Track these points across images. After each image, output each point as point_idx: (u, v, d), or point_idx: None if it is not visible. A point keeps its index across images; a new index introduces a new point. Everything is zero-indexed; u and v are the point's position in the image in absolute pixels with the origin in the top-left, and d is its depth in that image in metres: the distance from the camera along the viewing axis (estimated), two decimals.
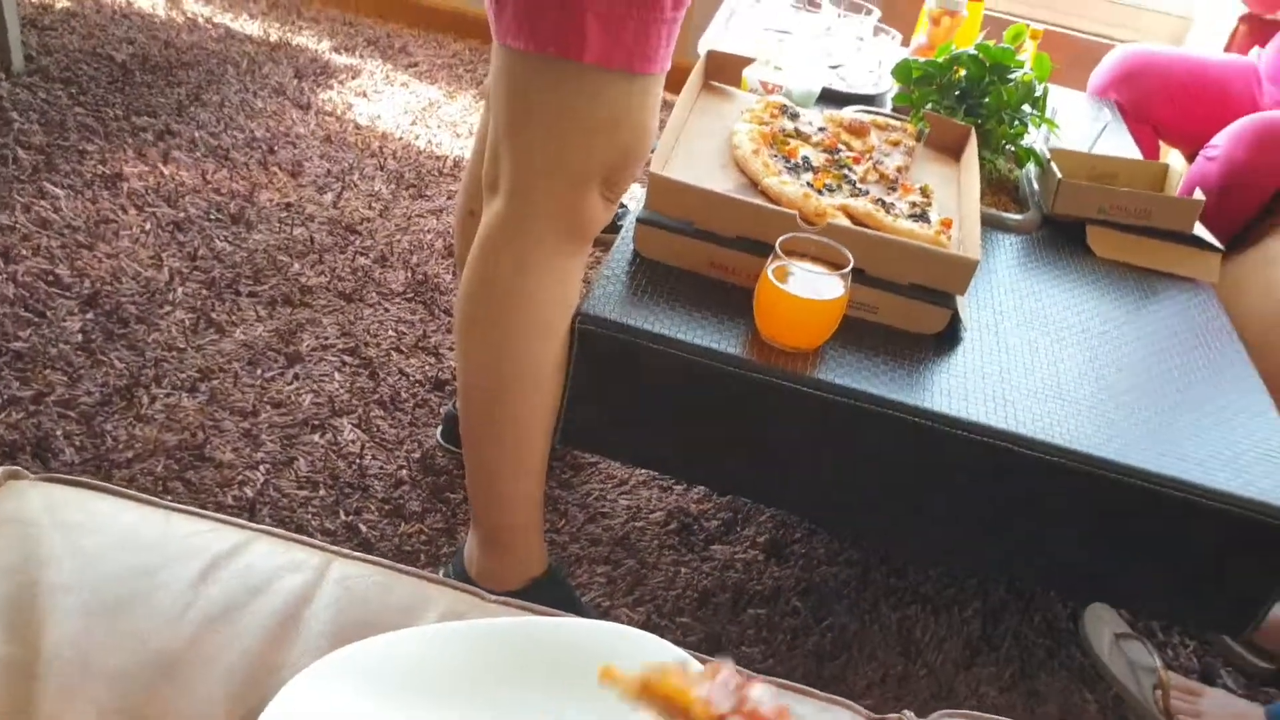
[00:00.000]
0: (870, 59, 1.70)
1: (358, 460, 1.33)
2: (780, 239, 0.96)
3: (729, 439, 1.05)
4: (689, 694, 0.37)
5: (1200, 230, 1.36)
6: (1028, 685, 1.22)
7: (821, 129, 1.28)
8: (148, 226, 1.68)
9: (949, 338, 1.07)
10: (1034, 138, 1.49)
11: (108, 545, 0.66)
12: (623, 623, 1.17)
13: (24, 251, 1.56)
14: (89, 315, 1.47)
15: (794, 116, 1.29)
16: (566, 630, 0.64)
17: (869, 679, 1.18)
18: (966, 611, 1.29)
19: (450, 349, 1.56)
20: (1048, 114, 1.44)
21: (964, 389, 1.00)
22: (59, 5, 2.35)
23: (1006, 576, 1.33)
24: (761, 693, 0.38)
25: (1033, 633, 1.29)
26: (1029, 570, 1.09)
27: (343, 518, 1.24)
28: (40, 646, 0.58)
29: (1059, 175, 1.34)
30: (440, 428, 1.39)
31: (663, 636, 0.63)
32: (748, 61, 1.40)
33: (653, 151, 1.23)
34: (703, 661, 0.44)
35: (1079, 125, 1.65)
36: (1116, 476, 0.95)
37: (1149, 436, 0.99)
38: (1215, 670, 1.29)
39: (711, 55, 1.38)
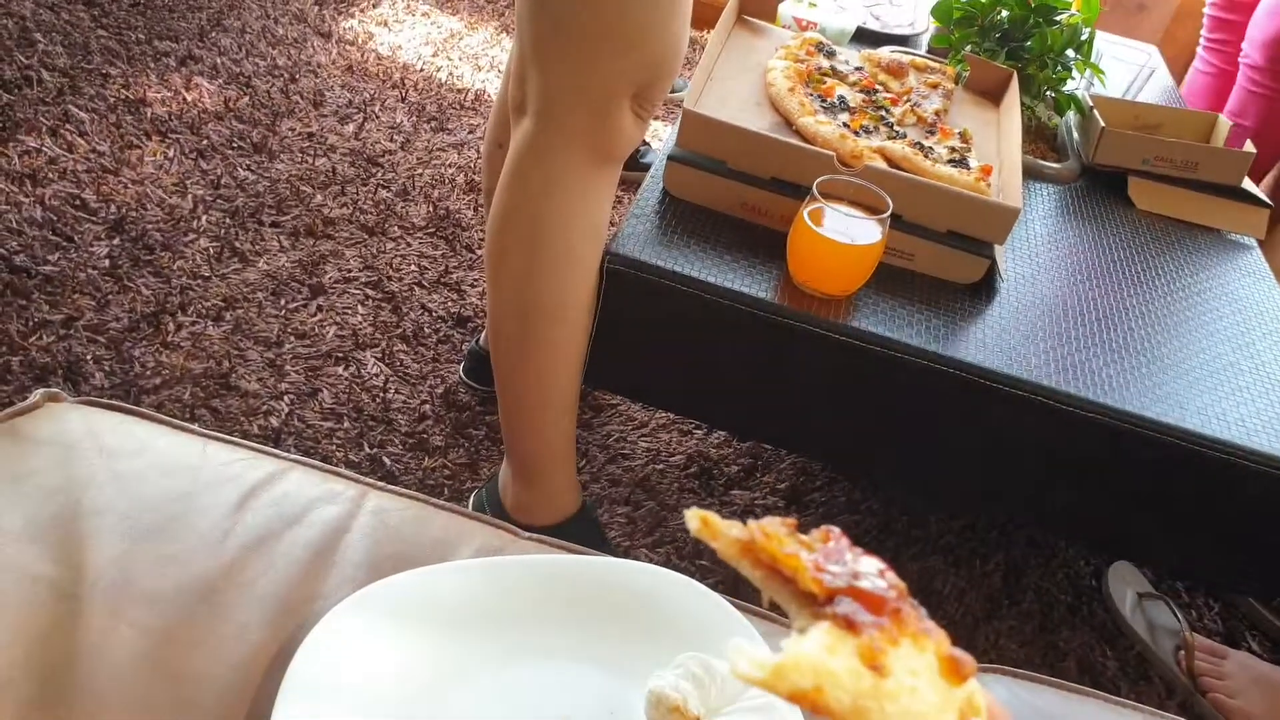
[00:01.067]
0: None
1: (381, 394, 1.33)
2: (818, 180, 0.94)
3: (755, 384, 1.04)
4: (798, 559, 0.32)
5: (1249, 184, 1.32)
6: (1048, 640, 1.23)
7: (859, 68, 1.24)
8: (171, 153, 1.66)
9: (985, 288, 1.06)
10: (1077, 84, 1.44)
11: (146, 469, 0.66)
12: (657, 566, 1.18)
13: (51, 175, 1.55)
14: (115, 241, 1.46)
15: (830, 54, 1.25)
16: (601, 569, 0.64)
17: None
18: (989, 565, 1.29)
19: (473, 285, 1.55)
20: (1093, 59, 1.40)
21: (999, 342, 0.99)
22: None
23: (1032, 528, 1.33)
24: (872, 565, 0.33)
25: (1055, 588, 1.29)
26: (1056, 524, 1.09)
27: (366, 450, 1.25)
28: (83, 567, 0.59)
29: (1102, 124, 1.30)
30: (463, 364, 1.39)
31: None
32: None
33: (681, 90, 1.20)
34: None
35: (1122, 73, 1.60)
36: (1151, 434, 0.94)
37: (1186, 394, 0.98)
38: (1240, 634, 1.29)
39: None
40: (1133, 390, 0.97)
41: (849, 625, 0.30)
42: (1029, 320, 1.04)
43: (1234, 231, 1.30)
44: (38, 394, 0.70)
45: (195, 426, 0.72)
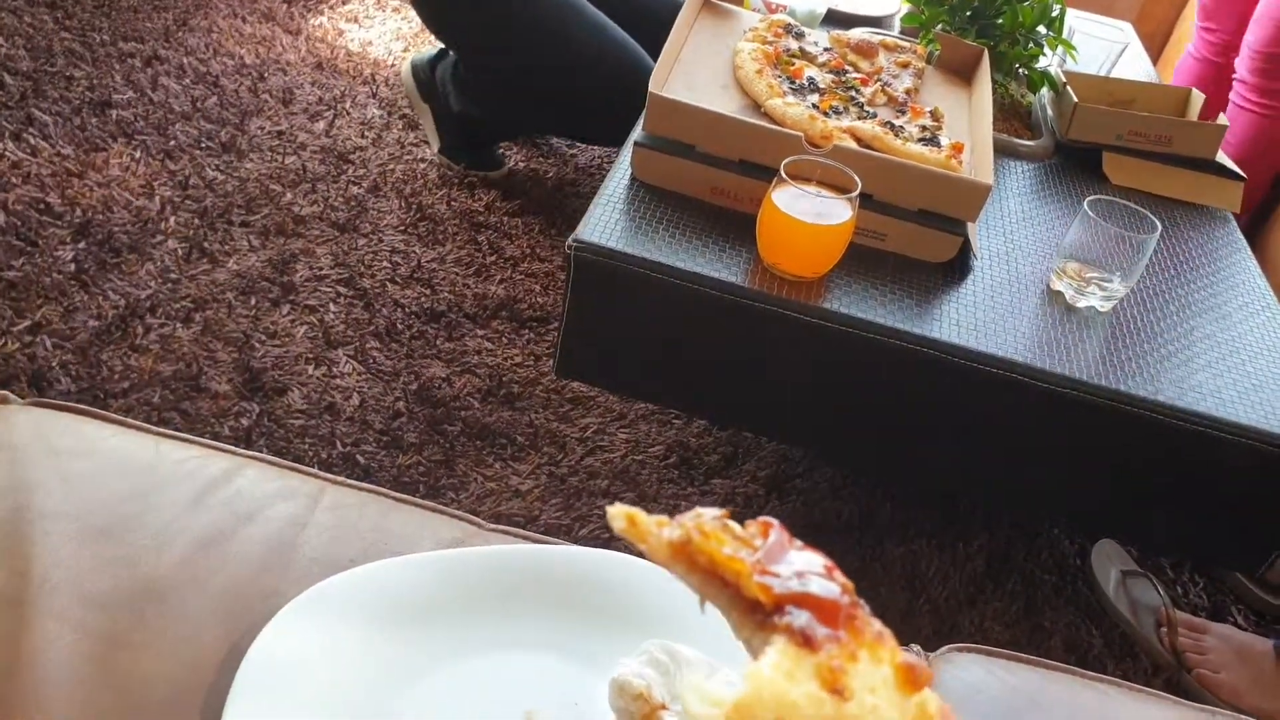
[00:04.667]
0: None
1: (355, 392, 1.31)
2: (785, 161, 0.93)
3: (730, 370, 1.03)
4: (740, 563, 0.29)
5: (1222, 157, 1.31)
6: (1033, 621, 1.22)
7: (827, 49, 1.23)
8: (138, 154, 1.64)
9: (959, 267, 1.05)
10: (1049, 61, 1.43)
11: (97, 470, 0.65)
12: (622, 553, 1.17)
13: (14, 179, 1.52)
14: (81, 245, 1.44)
15: (799, 36, 1.24)
16: (565, 558, 0.63)
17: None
18: (972, 547, 1.28)
19: (444, 279, 1.53)
20: (1064, 36, 1.39)
21: (974, 319, 0.98)
22: None
23: (1013, 508, 1.33)
24: (817, 562, 0.30)
25: (1039, 569, 1.29)
26: (1036, 503, 1.08)
27: (340, 449, 1.23)
28: (30, 572, 0.57)
29: (1075, 100, 1.29)
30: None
31: None
32: None
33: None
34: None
35: (1095, 49, 1.59)
36: (1128, 408, 0.93)
37: (1163, 367, 0.97)
38: (1226, 609, 1.29)
39: None
40: (1108, 365, 0.96)
41: (805, 641, 0.28)
42: (1004, 298, 1.03)
43: (1209, 204, 1.29)
44: None
45: (148, 425, 0.70)
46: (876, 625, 0.30)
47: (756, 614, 0.30)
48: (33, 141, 1.60)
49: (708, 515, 0.32)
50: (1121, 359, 0.98)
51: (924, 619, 1.19)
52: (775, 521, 0.33)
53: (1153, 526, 1.04)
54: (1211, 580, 1.32)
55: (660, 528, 0.32)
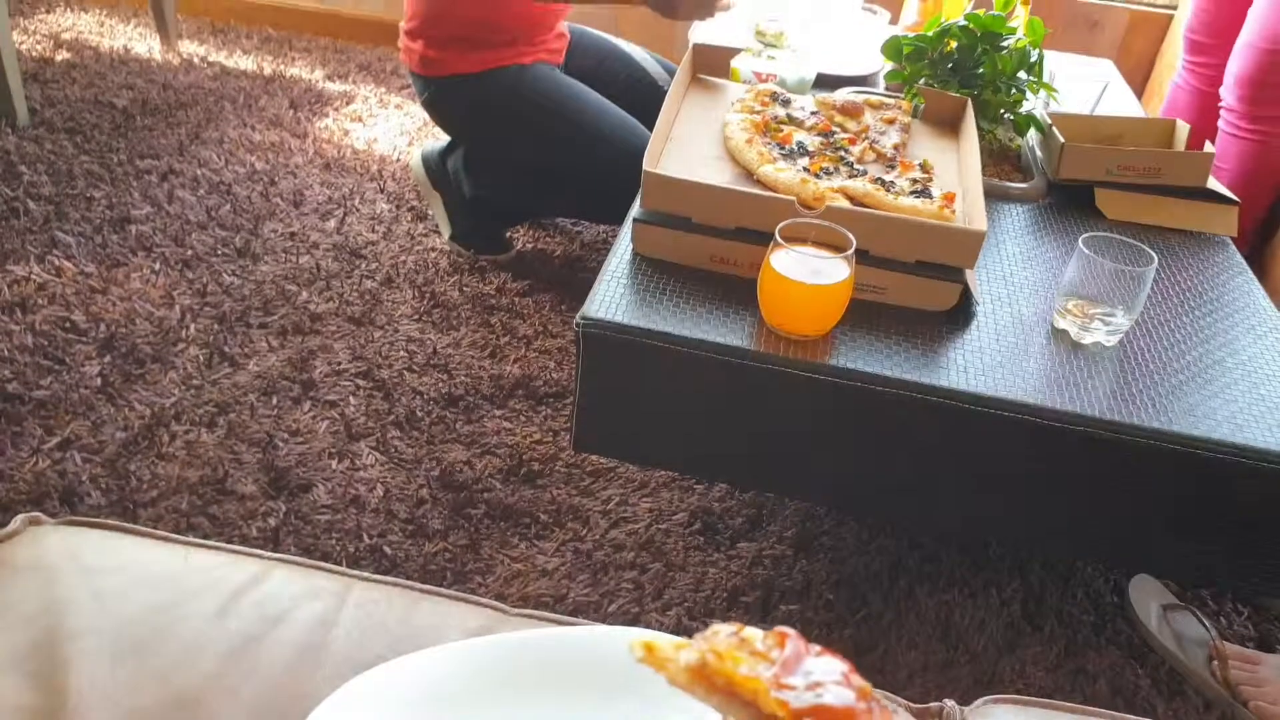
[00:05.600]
0: (860, 40, 1.68)
1: (378, 483, 1.33)
2: (779, 225, 0.95)
3: (745, 434, 1.04)
4: (757, 681, 0.30)
5: (1214, 183, 1.33)
6: (1075, 664, 1.19)
7: (814, 113, 1.27)
8: (157, 266, 1.69)
9: (962, 313, 1.06)
10: (1033, 104, 1.46)
11: (128, 585, 0.66)
12: (653, 628, 1.16)
13: (40, 301, 1.58)
14: (106, 359, 1.48)
15: (785, 103, 1.28)
16: (593, 641, 0.63)
17: (909, 669, 1.16)
18: (1005, 592, 1.26)
19: (460, 364, 1.56)
20: (1045, 79, 1.42)
21: (981, 364, 0.99)
22: (59, 58, 2.38)
23: (1043, 553, 1.31)
24: (834, 668, 0.31)
25: (1076, 609, 1.26)
26: (1064, 545, 1.07)
27: (366, 541, 1.24)
28: (65, 692, 0.58)
29: (1062, 140, 1.32)
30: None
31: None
32: (734, 52, 1.39)
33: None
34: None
35: (1079, 88, 1.63)
36: (1145, 441, 0.93)
37: (1176, 397, 0.97)
38: (1274, 637, 1.26)
39: (697, 49, 1.37)
40: (1121, 399, 0.96)
41: None
42: (1009, 340, 1.03)
43: (1206, 231, 1.30)
44: (18, 520, 0.70)
45: (178, 535, 0.71)
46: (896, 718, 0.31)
47: None
48: (57, 262, 1.66)
49: (723, 633, 0.33)
50: (1133, 392, 0.98)
51: (963, 669, 1.17)
52: (791, 631, 0.34)
53: (1186, 559, 1.02)
54: (1256, 609, 1.29)
55: (678, 651, 0.32)
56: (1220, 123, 1.70)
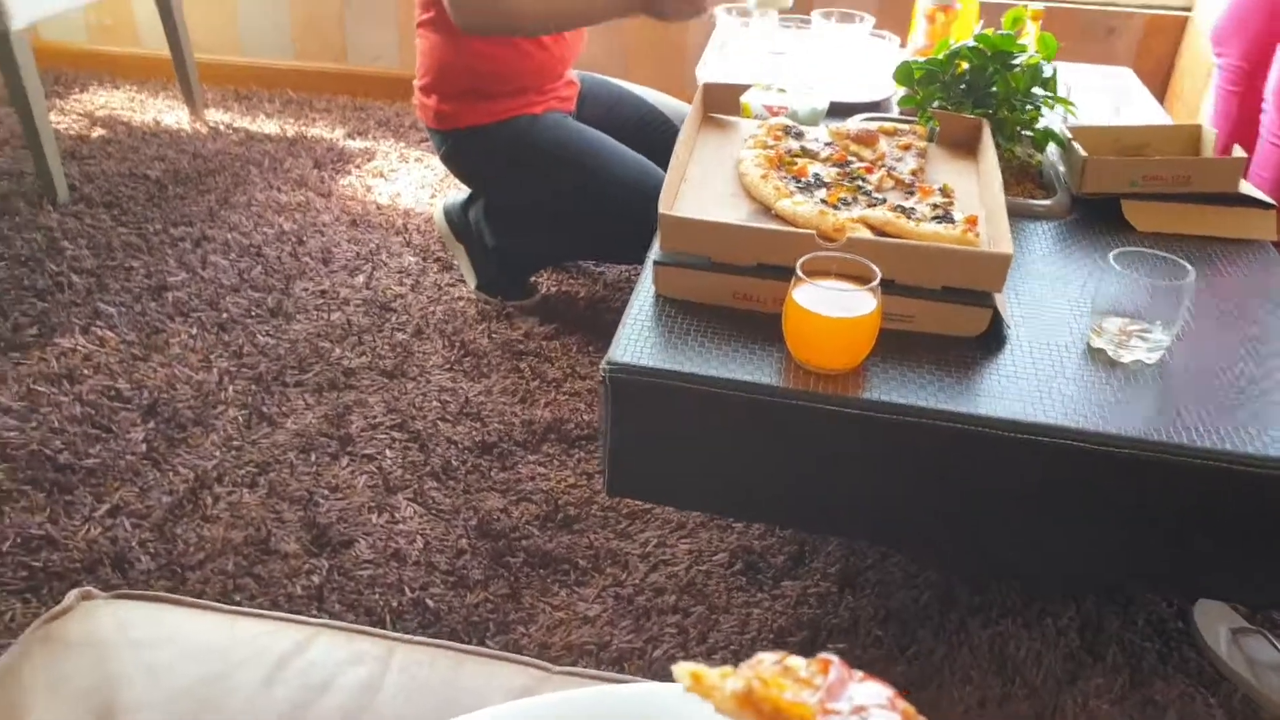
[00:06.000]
0: (870, 66, 1.69)
1: (418, 535, 1.34)
2: (800, 260, 0.95)
3: (780, 472, 1.03)
4: (804, 708, 0.31)
5: (1247, 187, 1.30)
6: (1142, 694, 1.15)
7: (828, 144, 1.27)
8: (194, 331, 1.73)
9: (993, 338, 1.05)
10: (1051, 119, 1.46)
11: (176, 657, 0.67)
12: None
13: (86, 371, 1.62)
14: (150, 425, 1.51)
15: (799, 135, 1.28)
16: (638, 699, 0.63)
17: (965, 704, 1.13)
18: (1062, 621, 1.23)
19: (493, 411, 1.57)
20: (1061, 93, 1.41)
21: (1018, 389, 0.97)
22: (94, 135, 2.47)
23: (1098, 585, 1.27)
24: (879, 694, 0.32)
25: (1138, 637, 1.22)
26: (1121, 574, 1.04)
27: (409, 594, 1.25)
28: None
29: (1083, 153, 1.31)
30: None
31: None
32: (744, 89, 1.40)
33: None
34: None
35: (1099, 99, 1.62)
36: (1197, 461, 0.90)
37: (1225, 412, 0.95)
38: None
39: (707, 88, 1.38)
40: (1166, 417, 0.94)
41: None
42: (1044, 363, 1.02)
43: (1244, 236, 1.28)
44: (71, 595, 0.71)
45: (225, 603, 0.72)
46: None
47: None
48: (100, 333, 1.71)
49: (767, 661, 0.34)
50: (1179, 409, 0.95)
51: (1022, 704, 1.14)
52: (834, 658, 0.35)
53: (1251, 581, 0.99)
54: None
55: (724, 679, 0.33)
56: (1261, 130, 1.67)
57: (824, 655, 0.35)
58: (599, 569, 1.29)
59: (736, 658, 1.18)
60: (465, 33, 1.53)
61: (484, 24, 1.52)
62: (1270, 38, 1.68)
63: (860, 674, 0.34)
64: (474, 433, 1.52)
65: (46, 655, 0.66)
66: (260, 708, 0.63)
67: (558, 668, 0.68)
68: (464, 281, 1.90)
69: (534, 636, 1.19)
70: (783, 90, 1.46)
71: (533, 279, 1.89)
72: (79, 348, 1.67)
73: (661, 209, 1.06)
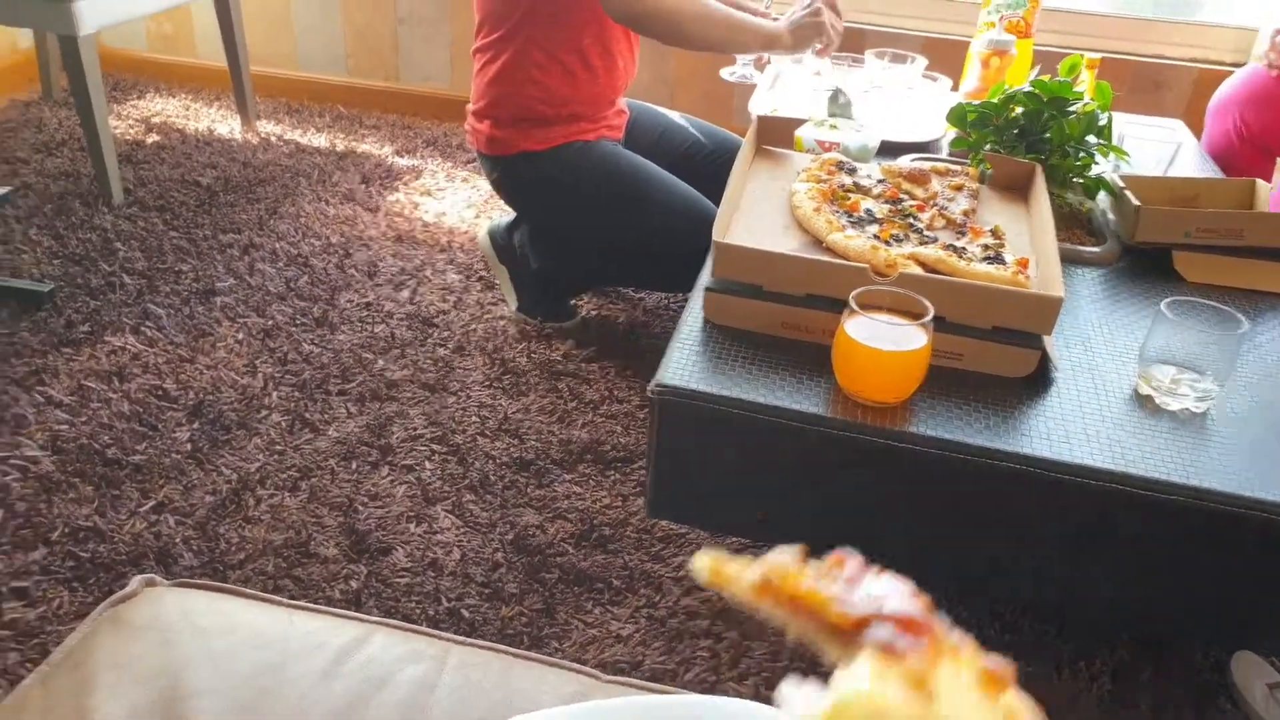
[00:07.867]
0: (921, 106, 1.71)
1: (455, 546, 1.35)
2: (854, 292, 0.97)
3: (820, 501, 1.04)
4: (820, 593, 0.32)
5: None
6: None
7: (880, 181, 1.29)
8: (240, 336, 1.77)
9: (1041, 379, 1.05)
10: (1103, 167, 1.47)
11: (238, 646, 0.69)
12: (745, 700, 1.15)
13: (135, 370, 1.65)
14: (195, 425, 1.54)
15: (851, 171, 1.30)
16: (687, 708, 0.64)
17: None
18: (1095, 666, 1.22)
19: (530, 428, 1.58)
20: (1115, 142, 1.42)
21: (1064, 431, 0.98)
22: (149, 140, 2.53)
23: (1138, 631, 1.26)
24: (893, 584, 0.33)
25: (1173, 686, 1.21)
26: (1161, 620, 1.04)
27: (445, 604, 1.26)
28: None
29: (1136, 203, 1.31)
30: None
31: None
32: (798, 123, 1.43)
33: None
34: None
35: (1150, 149, 1.63)
36: (1243, 511, 0.90)
37: (1274, 464, 0.95)
38: None
39: (762, 120, 1.41)
40: (1213, 465, 0.94)
41: (889, 652, 0.31)
42: (1091, 407, 1.02)
43: None
44: (136, 581, 0.73)
45: (281, 599, 0.74)
46: (955, 636, 0.32)
47: (842, 637, 0.32)
48: (149, 333, 1.75)
49: (782, 553, 0.35)
50: (1227, 459, 0.95)
51: None
52: (851, 551, 0.36)
53: None
54: None
55: (742, 574, 0.34)
56: None
57: (840, 550, 0.36)
58: (633, 589, 1.30)
59: (768, 685, 1.17)
60: (615, 21, 1.57)
61: (648, 27, 1.57)
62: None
63: (876, 567, 0.36)
64: (512, 449, 1.54)
65: (114, 637, 0.68)
66: (319, 700, 0.64)
67: (606, 676, 0.69)
68: (505, 301, 1.92)
69: (567, 652, 1.20)
70: (835, 126, 1.49)
71: (573, 301, 1.92)
72: (129, 346, 1.71)
73: (715, 237, 1.08)
